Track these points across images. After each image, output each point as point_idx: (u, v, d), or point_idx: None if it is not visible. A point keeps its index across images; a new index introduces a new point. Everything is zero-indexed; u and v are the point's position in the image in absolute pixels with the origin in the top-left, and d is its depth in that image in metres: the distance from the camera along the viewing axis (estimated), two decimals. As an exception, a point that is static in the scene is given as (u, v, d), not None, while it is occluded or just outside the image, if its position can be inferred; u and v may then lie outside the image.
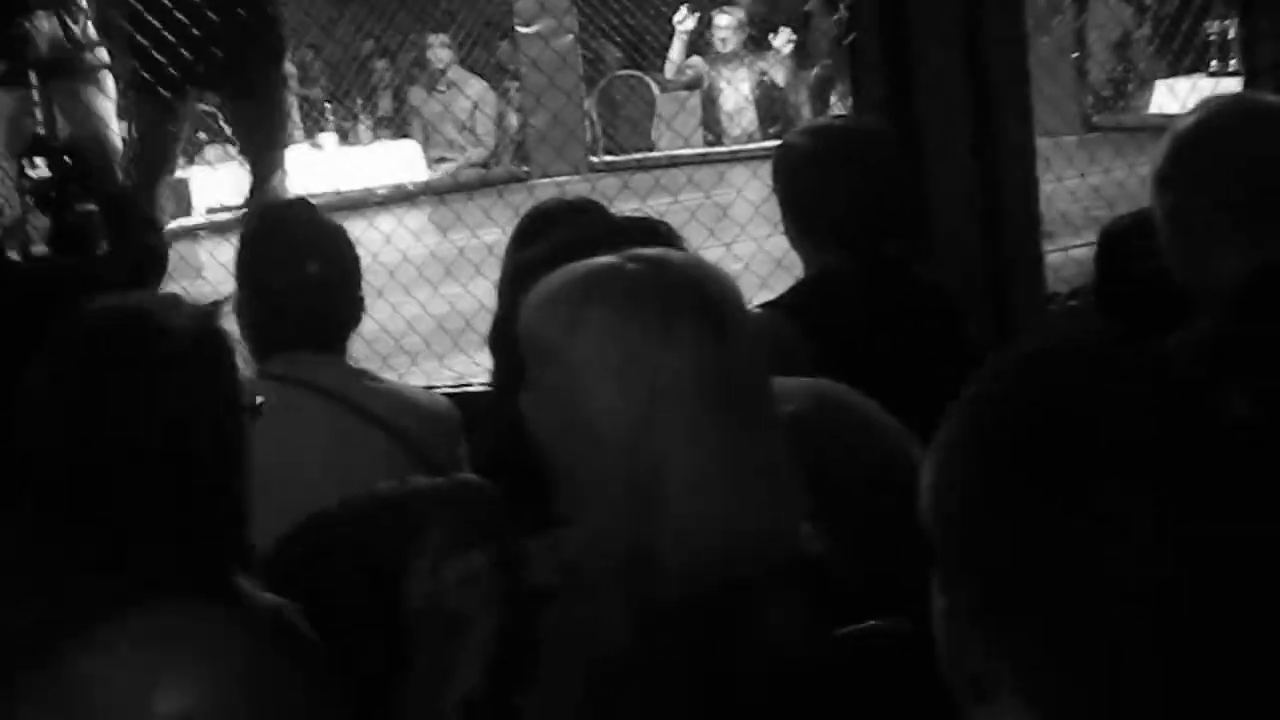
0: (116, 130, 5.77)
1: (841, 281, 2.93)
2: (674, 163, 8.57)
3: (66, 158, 4.12)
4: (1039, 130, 4.47)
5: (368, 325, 3.21)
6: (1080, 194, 6.30)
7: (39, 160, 4.13)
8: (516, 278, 2.70)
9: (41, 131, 5.11)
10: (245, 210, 6.30)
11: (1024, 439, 1.09)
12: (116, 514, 1.81)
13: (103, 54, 5.84)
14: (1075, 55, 8.84)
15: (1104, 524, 1.05)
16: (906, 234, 3.14)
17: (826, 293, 2.91)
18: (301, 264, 2.87)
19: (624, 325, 1.61)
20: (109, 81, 5.80)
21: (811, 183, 3.00)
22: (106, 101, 5.69)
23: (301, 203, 3.10)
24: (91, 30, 5.77)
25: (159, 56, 5.72)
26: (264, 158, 6.03)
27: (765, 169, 3.59)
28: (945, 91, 4.21)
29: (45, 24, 5.58)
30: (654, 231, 2.02)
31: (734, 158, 8.75)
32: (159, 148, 6.18)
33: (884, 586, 1.59)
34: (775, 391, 1.69)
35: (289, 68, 10.14)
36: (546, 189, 7.74)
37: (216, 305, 2.03)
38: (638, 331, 1.60)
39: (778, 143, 7.06)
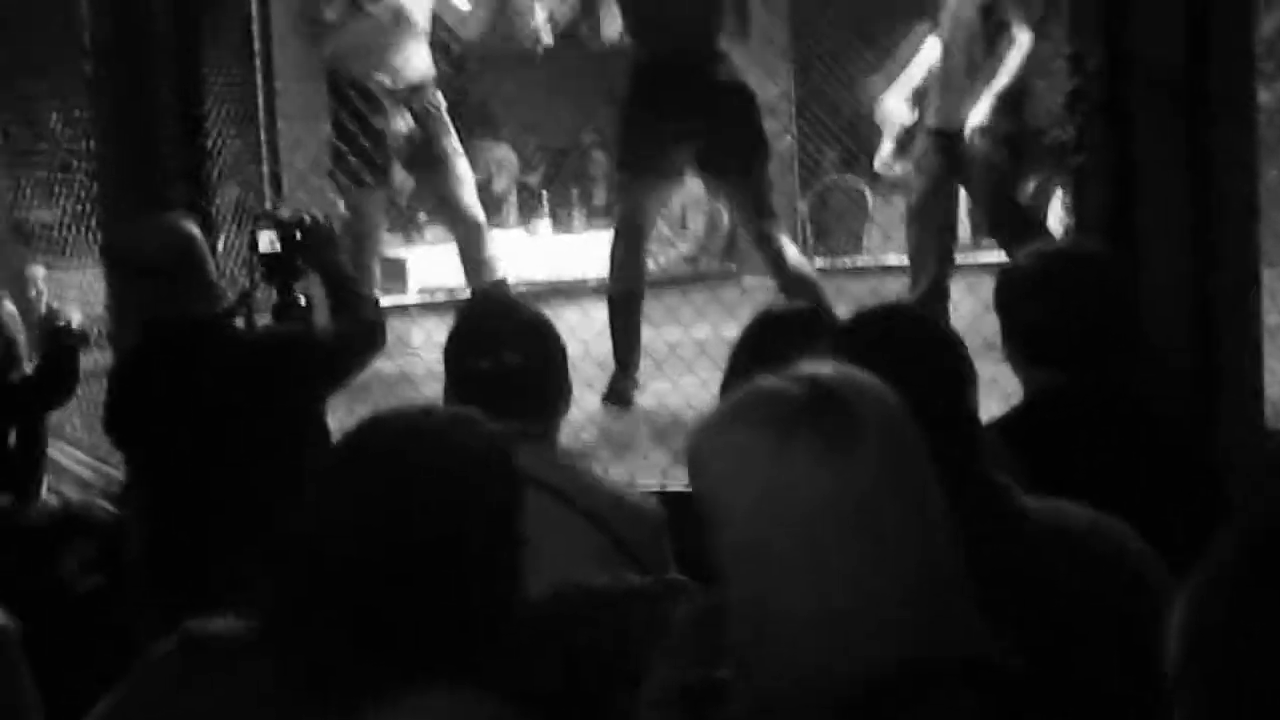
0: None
1: (1058, 404, 2.94)
2: (884, 267, 8.56)
3: (295, 232, 4.25)
4: (1265, 262, 4.42)
5: (575, 415, 3.25)
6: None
7: (268, 234, 4.26)
8: (733, 380, 2.76)
9: (271, 206, 5.29)
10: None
11: None
12: (394, 609, 1.86)
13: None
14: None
15: None
16: (1124, 358, 3.13)
17: (1043, 415, 2.92)
18: (500, 353, 2.92)
19: (747, 445, 1.65)
20: None
21: (1032, 306, 3.03)
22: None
23: (502, 292, 3.16)
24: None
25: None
26: None
27: (979, 282, 3.60)
28: (1168, 215, 4.19)
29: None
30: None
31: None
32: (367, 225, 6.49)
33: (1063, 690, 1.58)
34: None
35: (509, 154, 10.35)
36: (756, 289, 7.78)
37: (510, 432, 2.08)
38: (759, 451, 1.64)
39: (995, 256, 6.98)
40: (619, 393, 6.13)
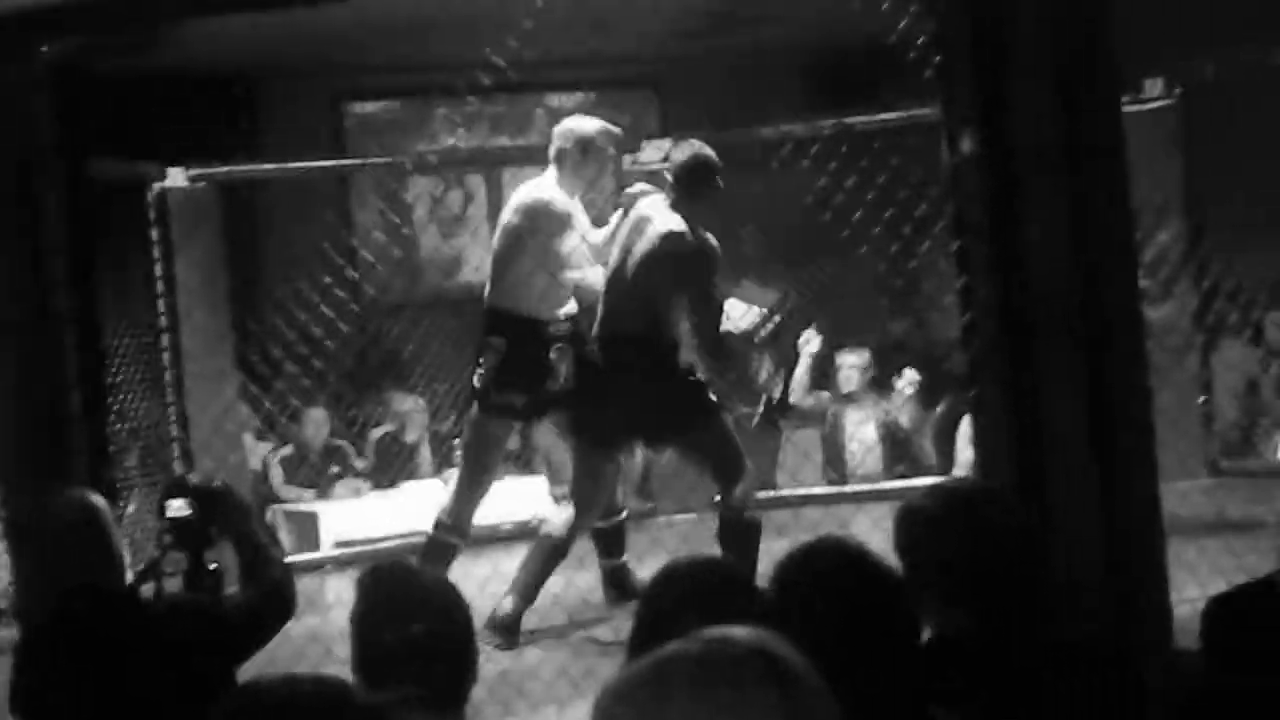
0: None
1: (961, 644, 2.95)
2: (797, 503, 8.60)
3: (207, 498, 4.22)
4: (1163, 476, 4.49)
5: (488, 670, 3.24)
6: (1207, 545, 6.25)
7: (178, 501, 4.24)
8: (639, 636, 2.76)
9: (180, 472, 5.28)
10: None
11: None
12: None
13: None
14: (1201, 400, 8.84)
15: None
16: (1028, 594, 3.16)
17: (946, 656, 2.92)
18: (405, 625, 2.91)
19: (704, 701, 1.66)
20: None
21: (932, 546, 3.05)
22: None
23: (403, 563, 3.16)
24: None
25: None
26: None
27: (888, 512, 3.63)
28: (1070, 443, 4.25)
29: None
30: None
31: (856, 498, 8.77)
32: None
33: None
34: None
35: (418, 404, 10.38)
36: (668, 529, 7.80)
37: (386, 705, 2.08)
38: (719, 703, 1.66)
39: (900, 484, 7.15)
40: (508, 628, 6.23)
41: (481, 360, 6.75)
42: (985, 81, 4.33)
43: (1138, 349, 4.41)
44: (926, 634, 3.04)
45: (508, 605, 6.26)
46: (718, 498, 6.51)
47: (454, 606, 3.01)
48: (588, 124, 6.81)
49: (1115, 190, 4.37)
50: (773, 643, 1.73)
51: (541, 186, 6.68)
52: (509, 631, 6.21)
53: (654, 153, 8.95)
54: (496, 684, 4.80)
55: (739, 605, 2.69)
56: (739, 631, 1.74)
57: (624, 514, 7.01)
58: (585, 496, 6.52)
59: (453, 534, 6.72)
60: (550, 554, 6.42)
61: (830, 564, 2.55)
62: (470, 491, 6.83)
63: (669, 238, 6.34)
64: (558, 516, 6.55)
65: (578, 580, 6.77)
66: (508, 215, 6.71)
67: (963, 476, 6.34)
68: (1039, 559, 3.44)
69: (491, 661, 5.58)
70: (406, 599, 2.96)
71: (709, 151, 6.53)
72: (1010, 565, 3.10)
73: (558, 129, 6.84)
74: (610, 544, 6.94)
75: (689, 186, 6.42)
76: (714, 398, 6.67)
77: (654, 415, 6.43)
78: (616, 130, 6.87)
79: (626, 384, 6.35)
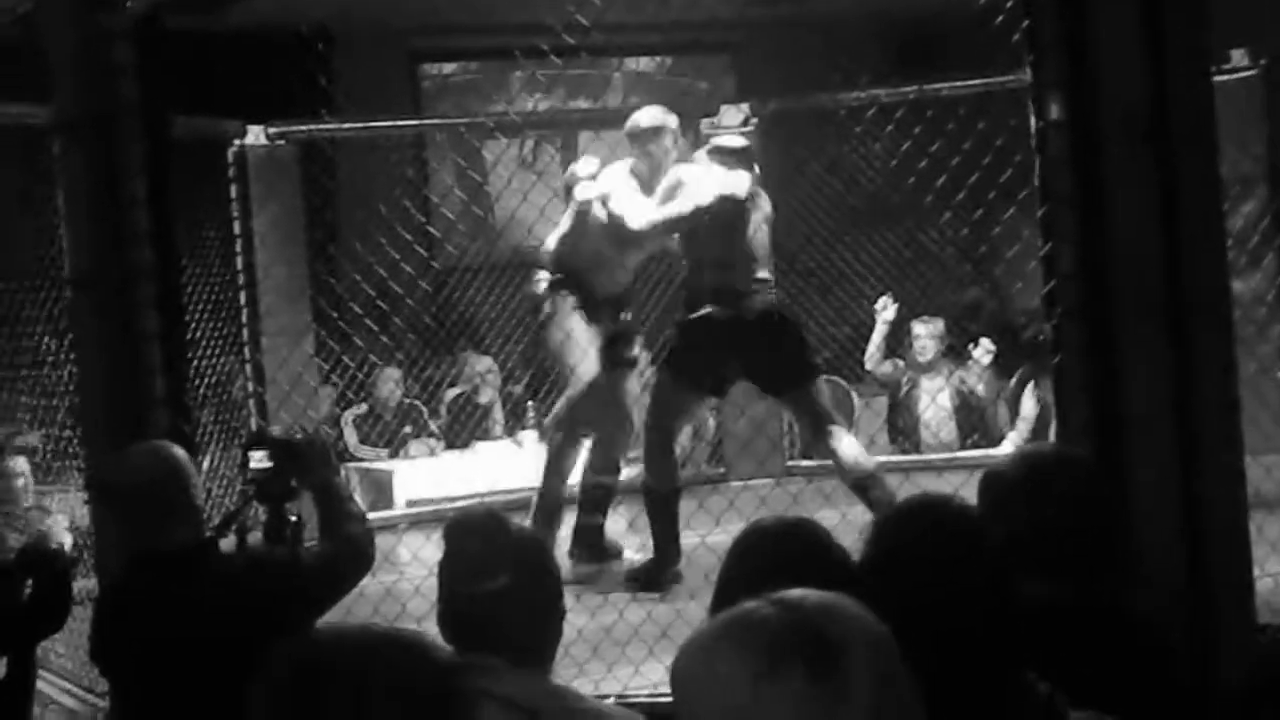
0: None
1: (1048, 615, 2.91)
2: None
3: (288, 451, 4.24)
4: (1248, 450, 4.43)
5: (567, 630, 3.23)
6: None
7: (259, 453, 4.26)
8: (722, 596, 2.75)
9: (261, 425, 5.30)
10: None
11: None
12: None
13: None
14: (1281, 375, 8.73)
15: None
16: (1113, 565, 3.13)
17: (1033, 628, 2.89)
18: (491, 577, 2.91)
19: (728, 674, 1.64)
20: None
21: (1014, 512, 3.02)
22: None
23: (493, 514, 3.14)
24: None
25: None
26: None
27: (964, 480, 3.60)
28: (1151, 417, 4.20)
29: None
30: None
31: (929, 467, 8.72)
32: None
33: None
34: None
35: (493, 365, 10.40)
36: (744, 494, 7.78)
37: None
38: (740, 680, 1.63)
39: (976, 453, 7.17)
40: (651, 578, 6.55)
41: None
42: (1074, 47, 4.27)
43: (1224, 321, 4.35)
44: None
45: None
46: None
47: (541, 561, 3.01)
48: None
49: (1204, 160, 4.30)
50: (846, 608, 1.69)
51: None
52: (649, 580, 6.55)
53: (734, 116, 8.93)
54: (571, 643, 4.79)
55: (821, 567, 2.67)
56: (813, 594, 1.71)
57: (619, 475, 7.17)
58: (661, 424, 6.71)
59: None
60: (660, 503, 6.66)
61: (930, 523, 2.51)
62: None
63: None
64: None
65: (681, 540, 6.74)
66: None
67: (1046, 444, 6.31)
68: (1120, 529, 3.42)
69: (595, 622, 5.61)
70: (491, 550, 2.95)
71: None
72: (1091, 534, 3.08)
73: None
74: (600, 501, 7.09)
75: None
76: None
77: (775, 363, 6.68)
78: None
79: (752, 331, 6.60)
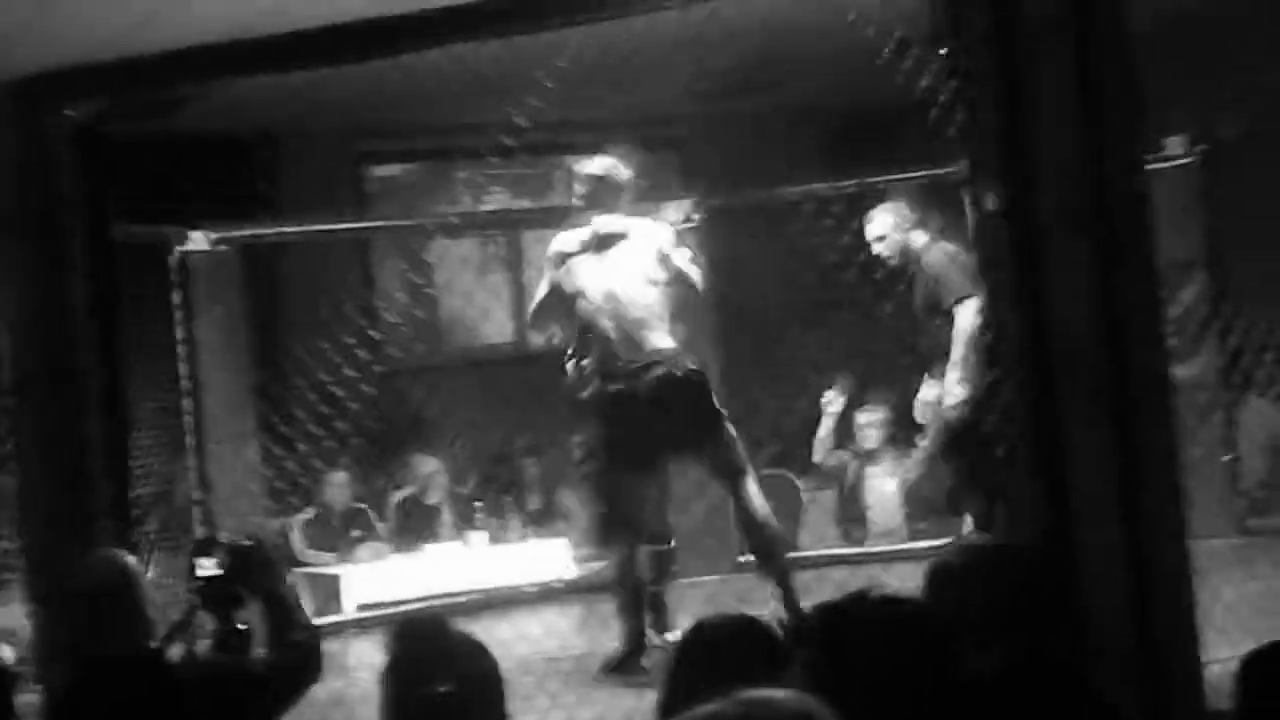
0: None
1: (997, 683, 2.92)
2: (816, 563, 8.54)
3: (237, 558, 4.20)
4: (1192, 535, 4.45)
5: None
6: (1237, 605, 6.20)
7: (208, 560, 4.22)
8: (670, 696, 2.73)
9: (209, 533, 5.26)
10: None
11: None
12: None
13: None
14: (1227, 458, 8.80)
15: None
16: (1057, 650, 3.14)
17: (983, 696, 2.89)
18: (433, 683, 2.89)
19: None
20: None
21: (961, 602, 3.03)
22: None
23: (435, 620, 3.13)
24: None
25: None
26: None
27: (912, 571, 3.60)
28: (1098, 502, 4.22)
29: None
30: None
31: (879, 558, 8.71)
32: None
33: None
34: None
35: (440, 466, 10.36)
36: (692, 590, 7.76)
37: None
38: None
39: (923, 544, 7.19)
40: (630, 667, 6.58)
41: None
42: (1010, 139, 4.32)
43: (1166, 407, 4.39)
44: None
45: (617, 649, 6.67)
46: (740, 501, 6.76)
47: (484, 663, 2.99)
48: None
49: (1141, 247, 4.35)
50: (814, 707, 1.71)
51: None
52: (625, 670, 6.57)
53: (676, 212, 8.98)
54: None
55: (770, 664, 2.67)
56: (779, 694, 1.72)
57: (671, 542, 7.14)
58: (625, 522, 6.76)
59: None
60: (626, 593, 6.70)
61: (875, 611, 2.51)
62: None
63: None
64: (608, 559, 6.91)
65: (607, 643, 6.74)
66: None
67: (985, 536, 6.34)
68: (1068, 615, 3.42)
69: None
70: (434, 656, 2.93)
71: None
72: (1039, 621, 3.09)
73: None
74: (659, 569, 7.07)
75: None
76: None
77: (683, 428, 6.67)
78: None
79: (658, 404, 6.59)
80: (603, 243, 6.86)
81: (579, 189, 7.00)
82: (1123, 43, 4.30)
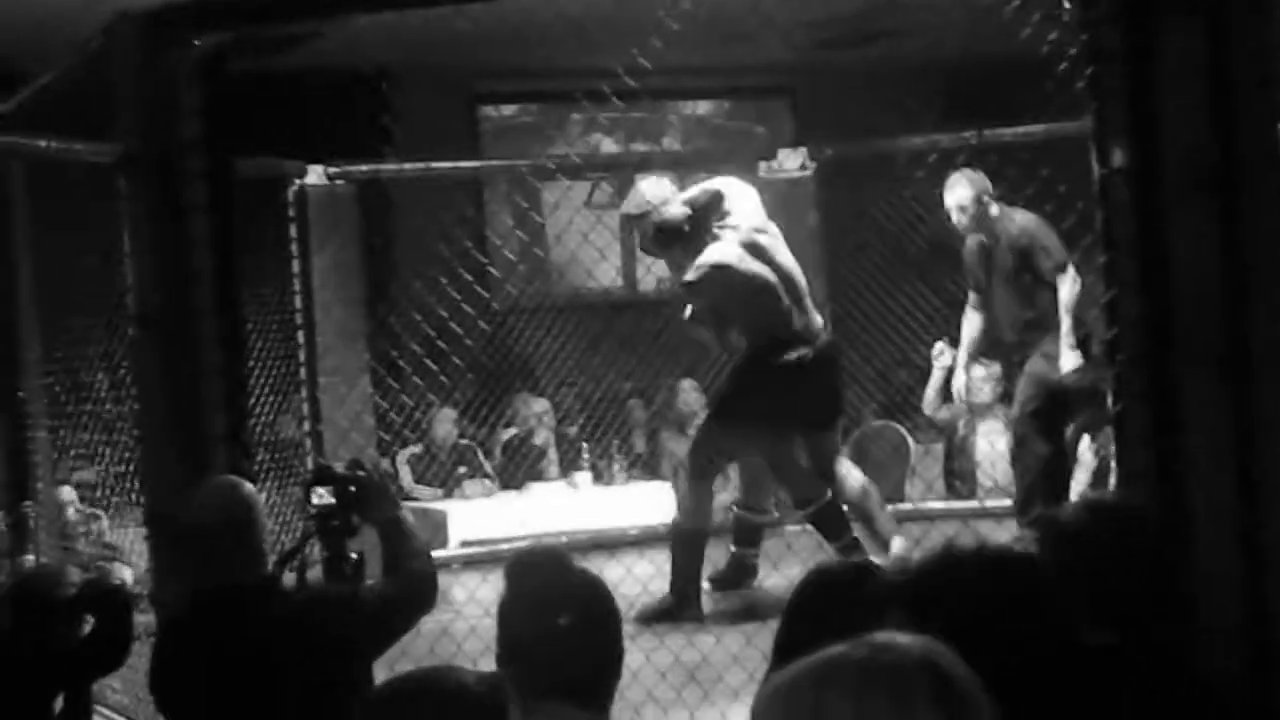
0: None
1: (1106, 663, 2.90)
2: (927, 515, 8.52)
3: (351, 487, 4.24)
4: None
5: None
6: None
7: (322, 489, 4.26)
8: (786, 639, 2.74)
9: (323, 462, 5.32)
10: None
11: None
12: None
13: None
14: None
15: None
16: (1172, 614, 3.11)
17: (1091, 675, 2.87)
18: (552, 616, 2.91)
19: (864, 713, 1.64)
20: None
21: (1079, 560, 3.01)
22: None
23: (555, 553, 3.15)
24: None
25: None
26: None
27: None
28: (1212, 468, 4.17)
29: None
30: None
31: (987, 514, 8.66)
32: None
33: None
34: None
35: (548, 407, 10.42)
36: (797, 533, 7.77)
37: (501, 678, 2.12)
38: (881, 713, 1.64)
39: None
40: (669, 617, 6.70)
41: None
42: (1138, 95, 4.26)
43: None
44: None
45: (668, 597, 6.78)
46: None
47: (600, 600, 3.01)
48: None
49: (1268, 210, 4.28)
50: (941, 654, 1.71)
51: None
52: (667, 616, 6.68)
53: (793, 160, 8.94)
54: (627, 686, 4.77)
55: (885, 610, 2.66)
56: (905, 639, 1.72)
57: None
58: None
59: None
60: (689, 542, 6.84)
61: (976, 567, 2.51)
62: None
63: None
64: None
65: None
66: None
67: (1107, 493, 6.32)
68: (1180, 579, 3.39)
69: (650, 664, 5.60)
70: (553, 590, 2.95)
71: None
72: (1151, 584, 3.06)
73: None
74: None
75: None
76: None
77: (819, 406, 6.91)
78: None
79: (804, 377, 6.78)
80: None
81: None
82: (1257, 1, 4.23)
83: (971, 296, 7.88)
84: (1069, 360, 7.26)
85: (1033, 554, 2.68)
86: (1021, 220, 7.41)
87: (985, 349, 8.01)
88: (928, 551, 2.61)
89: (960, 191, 7.47)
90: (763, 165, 8.96)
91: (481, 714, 2.05)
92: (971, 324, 7.99)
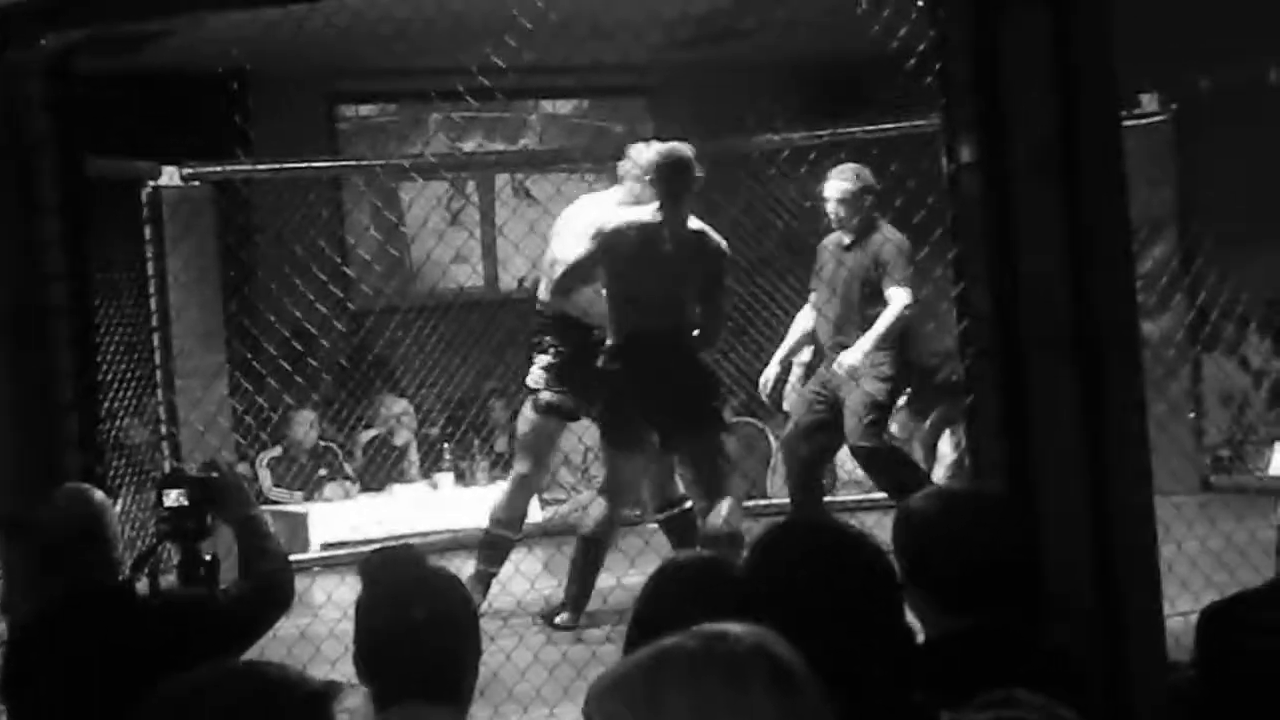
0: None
1: (961, 646, 2.95)
2: (784, 510, 8.58)
3: (205, 487, 4.19)
4: (1155, 490, 4.48)
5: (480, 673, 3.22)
6: (1200, 559, 6.27)
7: (175, 491, 4.21)
8: (635, 635, 2.75)
9: (176, 463, 5.26)
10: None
11: None
12: None
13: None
14: (1191, 415, 8.86)
15: None
16: (1024, 599, 3.16)
17: (946, 657, 2.92)
18: (408, 614, 2.90)
19: (701, 698, 1.67)
20: None
21: (933, 548, 3.05)
22: None
23: (409, 551, 3.13)
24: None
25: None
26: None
27: (877, 520, 3.63)
28: (1062, 454, 4.24)
29: None
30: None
31: (843, 508, 8.76)
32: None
33: None
34: None
35: (408, 408, 10.38)
36: (655, 533, 7.78)
37: (330, 687, 2.08)
38: (716, 701, 1.66)
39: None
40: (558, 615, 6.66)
41: (538, 360, 7.11)
42: (985, 90, 4.32)
43: (1133, 361, 4.41)
44: (921, 637, 3.05)
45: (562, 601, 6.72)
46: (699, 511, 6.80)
47: (456, 597, 3.00)
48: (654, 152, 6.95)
49: (1113, 198, 4.36)
50: (772, 641, 1.73)
51: (620, 207, 6.92)
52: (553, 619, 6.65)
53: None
54: (487, 684, 4.78)
55: (735, 603, 2.68)
56: (737, 628, 1.74)
57: (686, 504, 7.15)
58: (614, 491, 6.81)
59: (508, 529, 7.10)
60: (588, 549, 6.72)
61: (809, 541, 2.54)
62: (523, 487, 7.25)
63: (713, 240, 6.75)
64: (592, 513, 6.84)
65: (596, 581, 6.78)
66: (586, 229, 6.81)
67: (960, 483, 6.41)
68: (1034, 565, 3.45)
69: (509, 664, 5.60)
70: (409, 587, 2.94)
71: (683, 149, 6.75)
72: (1007, 570, 3.11)
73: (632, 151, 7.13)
74: (681, 535, 7.10)
75: (675, 185, 6.49)
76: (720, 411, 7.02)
77: (673, 415, 6.67)
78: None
79: (653, 384, 6.59)
80: None
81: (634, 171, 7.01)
82: (1099, -2, 4.31)
83: (813, 295, 7.81)
84: (850, 357, 7.28)
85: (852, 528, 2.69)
86: (889, 232, 7.45)
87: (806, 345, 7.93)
88: (762, 537, 2.62)
89: (844, 184, 7.45)
90: (619, 164, 8.98)
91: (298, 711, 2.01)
92: (804, 320, 7.87)
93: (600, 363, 6.76)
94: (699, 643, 1.72)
